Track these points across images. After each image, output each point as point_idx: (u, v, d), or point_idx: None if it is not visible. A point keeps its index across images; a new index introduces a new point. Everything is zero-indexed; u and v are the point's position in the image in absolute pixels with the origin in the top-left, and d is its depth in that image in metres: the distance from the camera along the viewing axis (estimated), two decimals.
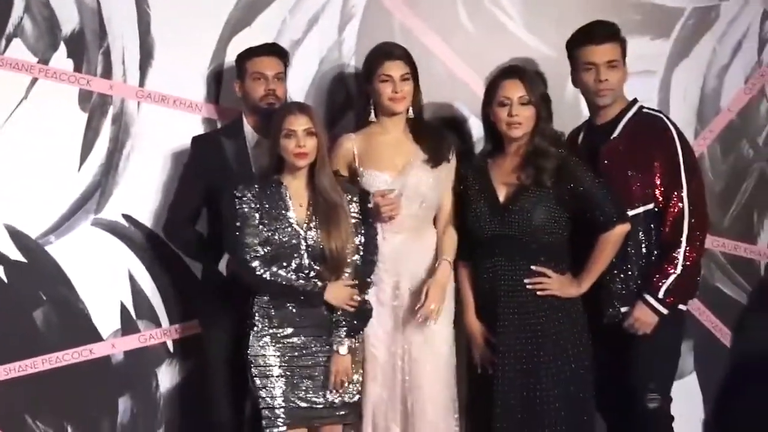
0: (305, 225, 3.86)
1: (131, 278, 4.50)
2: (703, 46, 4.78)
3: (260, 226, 3.82)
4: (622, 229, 3.89)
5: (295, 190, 3.90)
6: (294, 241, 3.84)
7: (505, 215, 3.92)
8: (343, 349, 3.89)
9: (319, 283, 3.84)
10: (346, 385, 3.91)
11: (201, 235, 4.26)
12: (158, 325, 4.52)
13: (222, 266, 4.09)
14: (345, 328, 3.89)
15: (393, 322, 4.06)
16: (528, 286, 3.90)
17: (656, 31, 4.74)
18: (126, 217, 4.49)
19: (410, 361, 4.04)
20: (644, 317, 3.93)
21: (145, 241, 4.50)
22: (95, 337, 4.49)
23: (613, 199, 3.89)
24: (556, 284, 3.91)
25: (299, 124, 3.82)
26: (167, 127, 4.47)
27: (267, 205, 3.85)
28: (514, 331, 3.89)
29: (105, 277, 4.49)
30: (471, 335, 4.06)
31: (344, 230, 3.85)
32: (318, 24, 4.57)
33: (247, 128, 4.21)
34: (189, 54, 4.45)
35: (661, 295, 3.90)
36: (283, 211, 3.86)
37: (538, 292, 3.90)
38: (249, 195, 3.84)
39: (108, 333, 4.51)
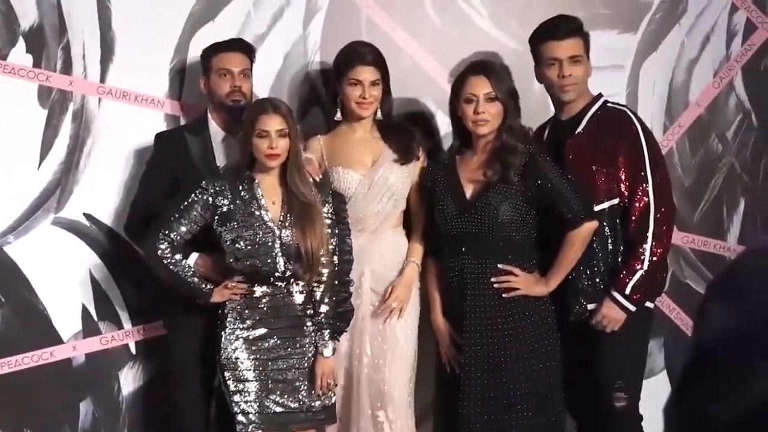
0: (279, 223, 3.89)
1: (92, 279, 4.50)
2: (672, 40, 4.82)
3: (232, 224, 3.85)
4: (590, 227, 3.93)
5: (268, 188, 3.93)
6: (267, 240, 3.87)
7: (472, 212, 3.96)
8: (328, 351, 3.92)
9: (209, 286, 3.88)
10: (332, 387, 3.94)
11: None
12: (120, 326, 4.53)
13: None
14: (329, 330, 3.93)
15: (354, 321, 4.12)
16: (495, 285, 3.94)
17: (624, 25, 4.78)
18: (87, 216, 4.50)
19: (369, 360, 4.13)
20: (612, 314, 3.96)
21: (106, 240, 4.50)
22: (56, 339, 4.49)
23: (580, 196, 3.93)
24: (523, 282, 3.94)
25: (272, 124, 3.85)
26: (129, 123, 4.48)
27: (238, 202, 3.87)
28: (480, 329, 3.93)
29: (65, 278, 4.49)
30: (437, 334, 4.12)
31: (319, 229, 3.87)
32: (282, 18, 4.59)
33: (213, 125, 4.25)
34: (151, 49, 4.47)
35: (627, 291, 3.94)
36: (256, 208, 3.89)
37: (504, 292, 3.94)
38: (210, 189, 3.89)
39: (69, 335, 4.51)
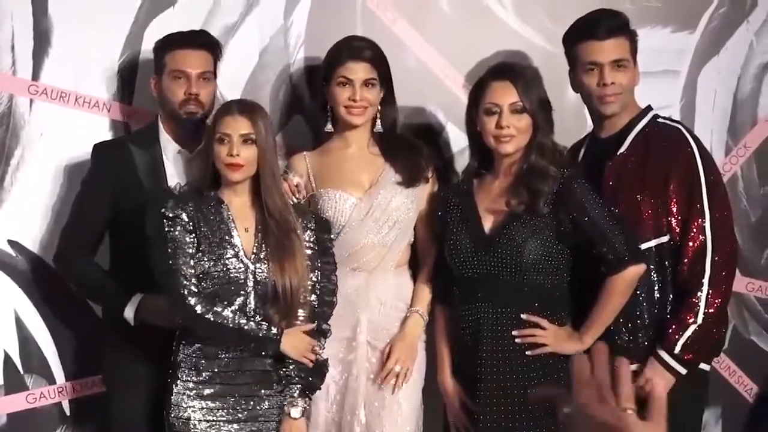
0: (253, 255, 3.81)
1: (18, 321, 4.37)
2: (738, 41, 4.74)
3: (198, 255, 3.78)
4: (635, 271, 3.81)
5: (238, 211, 3.85)
6: (239, 276, 3.78)
7: (491, 249, 3.85)
8: (296, 412, 3.83)
9: (274, 329, 3.77)
10: None
11: (100, 268, 4.15)
12: (52, 381, 4.41)
13: (128, 314, 4.00)
14: (299, 386, 3.84)
15: (344, 381, 4.03)
16: (517, 340, 3.82)
17: (680, 22, 4.71)
18: (12, 243, 4.37)
19: (364, 425, 4.01)
20: (657, 378, 3.84)
21: (36, 273, 4.41)
22: None
23: (625, 234, 3.82)
24: (551, 338, 3.83)
25: (236, 127, 3.75)
26: (67, 131, 4.37)
27: (205, 229, 3.79)
28: (498, 394, 3.81)
29: None
30: (445, 398, 4.03)
31: (300, 263, 3.81)
32: (259, 5, 4.52)
33: (164, 136, 4.14)
34: (96, 41, 4.34)
35: (677, 350, 3.83)
36: (226, 237, 3.81)
37: (528, 349, 3.82)
38: (182, 215, 3.77)
39: None
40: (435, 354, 4.08)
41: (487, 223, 3.89)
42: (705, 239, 3.84)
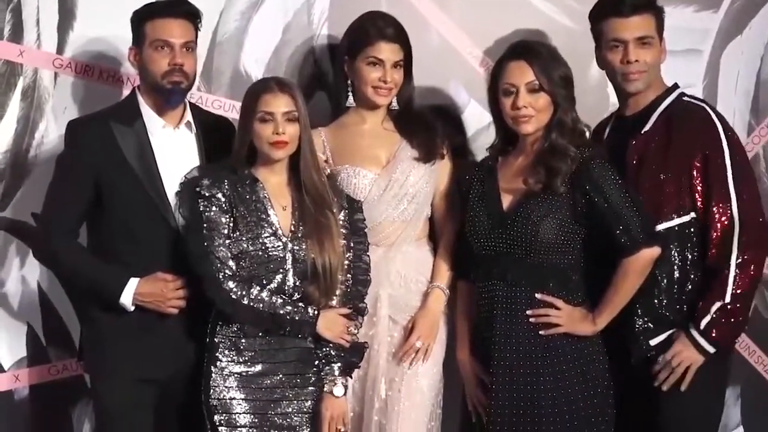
0: (290, 234, 3.80)
1: (41, 294, 4.43)
2: (761, 21, 4.73)
3: (235, 234, 3.76)
4: (649, 254, 3.79)
5: (275, 189, 3.83)
6: (278, 254, 3.77)
7: (507, 227, 3.85)
8: (338, 390, 3.84)
9: (310, 311, 3.78)
10: None
11: (89, 252, 3.99)
12: (74, 354, 4.34)
13: (126, 299, 3.86)
14: (338, 365, 3.84)
15: (366, 356, 4.00)
16: (531, 319, 3.82)
17: (703, 1, 4.72)
18: (36, 216, 4.30)
19: (381, 405, 4.04)
20: (687, 352, 3.83)
21: None
22: None
23: (641, 216, 3.80)
24: (565, 318, 3.82)
25: (278, 105, 3.74)
26: (91, 105, 4.29)
27: (241, 208, 3.77)
28: (511, 372, 3.81)
29: (7, 292, 4.43)
30: (462, 374, 4.05)
31: (337, 241, 3.82)
32: None
33: (146, 110, 3.99)
34: (120, 14, 4.17)
35: (703, 326, 3.81)
36: (263, 216, 3.79)
37: (542, 329, 3.82)
38: (218, 194, 3.76)
39: (10, 363, 4.45)
40: (455, 330, 4.09)
41: (506, 201, 3.89)
42: (732, 219, 3.82)
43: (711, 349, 3.81)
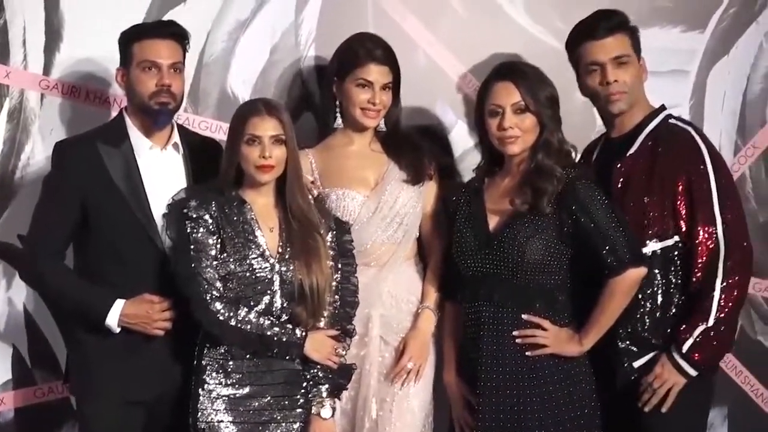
0: (278, 255, 3.79)
1: (27, 316, 4.40)
2: (747, 41, 4.76)
3: (222, 256, 3.74)
4: (635, 274, 3.79)
5: (262, 211, 3.83)
6: (265, 276, 3.76)
7: (493, 247, 3.85)
8: (326, 412, 3.82)
9: (298, 332, 3.76)
10: None
11: (75, 273, 3.99)
12: (59, 376, 4.34)
13: (111, 320, 3.83)
14: (326, 387, 3.83)
15: (356, 376, 3.99)
16: (517, 340, 3.81)
17: (689, 21, 4.72)
18: (22, 238, 4.26)
19: (372, 426, 4.03)
20: (665, 375, 3.83)
21: None
22: None
23: (627, 236, 3.79)
24: (552, 339, 3.81)
25: (266, 128, 3.74)
26: (78, 126, 4.27)
27: (228, 230, 3.76)
28: (497, 393, 3.80)
29: None
30: (449, 396, 4.05)
31: (325, 263, 3.81)
32: (271, 2, 4.53)
33: (133, 132, 3.98)
34: (107, 36, 4.17)
35: (685, 350, 3.81)
36: (250, 238, 3.77)
37: (529, 350, 3.80)
38: (205, 216, 3.74)
39: None
40: (442, 351, 4.08)
41: (492, 222, 3.88)
42: (717, 244, 3.81)
43: (693, 372, 3.81)
